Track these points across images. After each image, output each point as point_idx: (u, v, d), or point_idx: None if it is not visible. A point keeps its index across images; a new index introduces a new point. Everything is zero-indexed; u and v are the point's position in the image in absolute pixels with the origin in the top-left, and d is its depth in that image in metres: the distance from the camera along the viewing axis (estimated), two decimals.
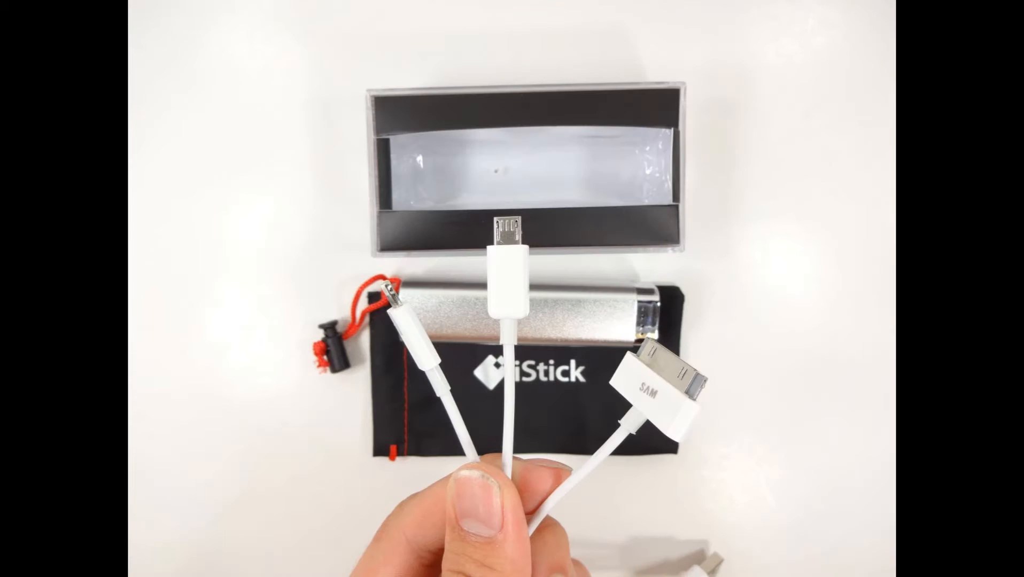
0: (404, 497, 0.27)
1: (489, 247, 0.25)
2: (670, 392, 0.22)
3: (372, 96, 0.39)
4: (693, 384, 0.22)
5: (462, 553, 0.23)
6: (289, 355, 0.44)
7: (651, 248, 0.40)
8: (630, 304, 0.41)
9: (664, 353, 0.23)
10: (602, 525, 0.45)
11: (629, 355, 0.24)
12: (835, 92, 0.43)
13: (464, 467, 0.24)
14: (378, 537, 0.26)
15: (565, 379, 0.44)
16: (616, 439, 0.24)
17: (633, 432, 0.24)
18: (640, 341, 0.41)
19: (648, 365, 0.23)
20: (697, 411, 0.22)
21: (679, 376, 0.22)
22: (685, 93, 0.39)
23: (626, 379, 0.24)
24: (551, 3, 0.43)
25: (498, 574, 0.22)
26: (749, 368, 0.44)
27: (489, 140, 0.42)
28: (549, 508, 0.25)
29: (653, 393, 0.23)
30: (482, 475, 0.23)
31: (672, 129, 0.39)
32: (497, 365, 0.44)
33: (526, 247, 0.25)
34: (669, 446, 0.44)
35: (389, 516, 0.26)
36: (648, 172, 0.42)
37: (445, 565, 0.24)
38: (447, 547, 0.24)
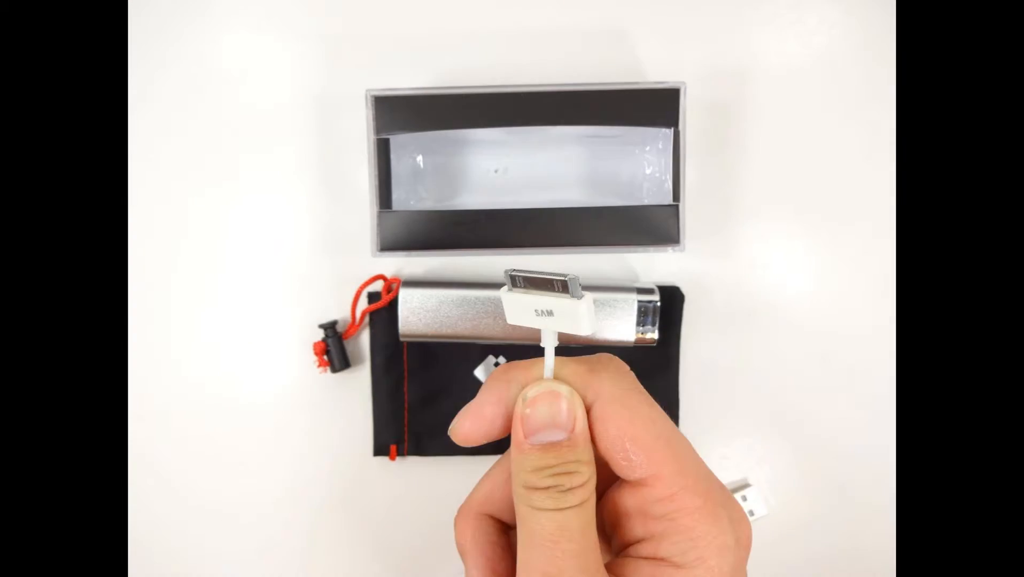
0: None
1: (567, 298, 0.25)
2: (562, 303, 0.24)
3: (372, 96, 0.39)
4: (572, 287, 0.24)
5: (531, 467, 0.23)
6: (289, 355, 0.44)
7: (651, 248, 0.40)
8: (630, 304, 0.41)
9: (531, 277, 0.24)
10: None
11: (505, 292, 0.25)
12: (835, 92, 0.43)
13: (531, 385, 0.25)
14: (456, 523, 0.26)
15: None
16: (548, 351, 0.25)
17: (555, 344, 0.25)
18: (640, 342, 0.41)
19: (527, 293, 0.25)
20: (591, 302, 0.24)
21: (558, 288, 0.24)
22: (685, 93, 0.39)
23: (519, 313, 0.25)
24: (551, 3, 0.43)
25: (575, 475, 0.23)
26: (749, 368, 0.44)
27: (489, 140, 0.42)
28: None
29: (550, 313, 0.24)
30: (549, 386, 0.24)
31: (672, 129, 0.39)
32: (497, 365, 0.44)
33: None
34: None
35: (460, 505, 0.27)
36: (648, 172, 0.42)
37: (515, 482, 0.24)
38: (513, 468, 0.24)
